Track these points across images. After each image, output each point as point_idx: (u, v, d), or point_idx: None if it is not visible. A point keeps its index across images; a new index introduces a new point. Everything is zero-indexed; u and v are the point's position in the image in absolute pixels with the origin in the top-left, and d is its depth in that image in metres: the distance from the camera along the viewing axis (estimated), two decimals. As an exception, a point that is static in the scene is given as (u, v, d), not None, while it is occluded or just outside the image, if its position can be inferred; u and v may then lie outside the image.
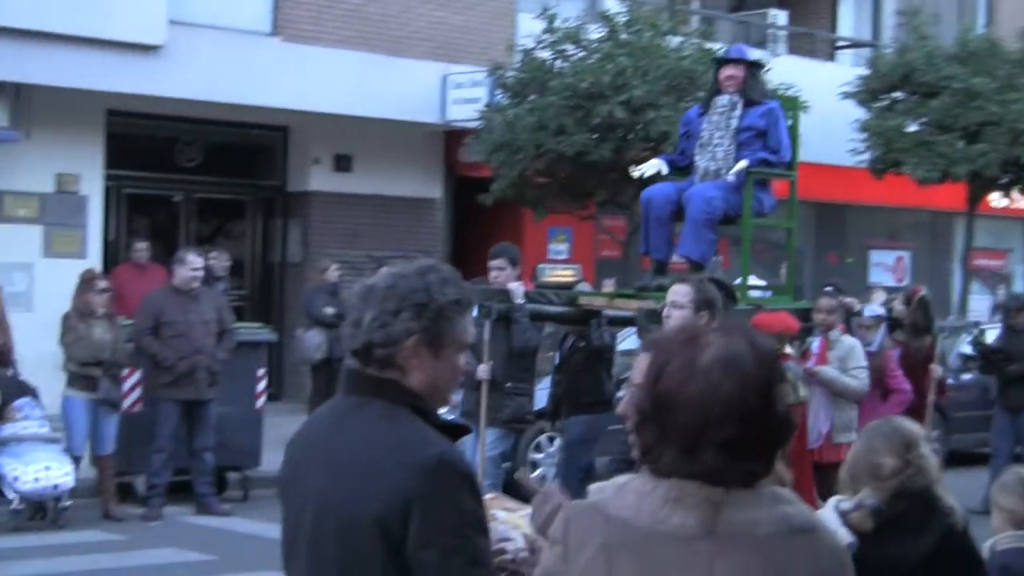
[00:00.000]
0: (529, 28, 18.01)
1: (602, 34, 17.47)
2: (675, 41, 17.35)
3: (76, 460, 12.14)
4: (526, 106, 16.96)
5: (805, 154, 17.84)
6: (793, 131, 11.04)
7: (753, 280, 12.99)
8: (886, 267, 26.33)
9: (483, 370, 10.28)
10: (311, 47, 17.96)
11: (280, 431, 13.68)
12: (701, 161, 10.69)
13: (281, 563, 3.39)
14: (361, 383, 3.33)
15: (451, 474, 3.14)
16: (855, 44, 26.95)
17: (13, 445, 11.81)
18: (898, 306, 12.99)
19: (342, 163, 19.67)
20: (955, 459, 15.09)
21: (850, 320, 12.25)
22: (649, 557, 2.64)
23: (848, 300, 12.77)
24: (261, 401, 13.56)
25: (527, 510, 3.71)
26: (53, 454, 11.91)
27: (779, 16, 24.04)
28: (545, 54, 17.34)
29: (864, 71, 22.20)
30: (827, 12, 26.62)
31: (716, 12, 24.48)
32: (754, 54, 11.45)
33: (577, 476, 11.12)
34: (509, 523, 3.54)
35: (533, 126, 16.54)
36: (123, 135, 18.13)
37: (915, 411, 10.92)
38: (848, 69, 23.57)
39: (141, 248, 16.74)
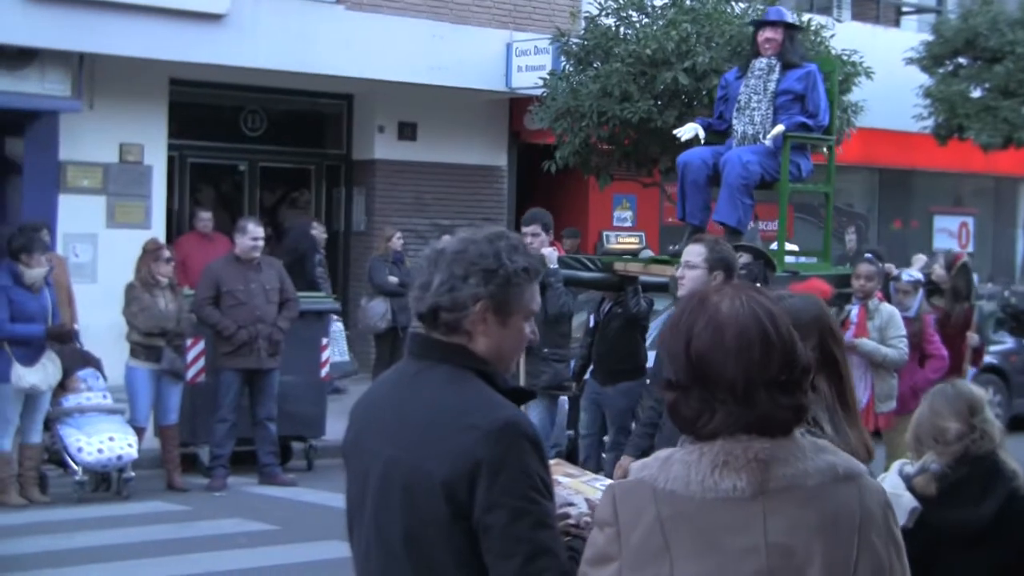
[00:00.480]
0: (593, -6, 17.85)
1: (666, 0, 17.28)
2: (739, 7, 17.13)
3: (139, 431, 12.18)
4: (590, 73, 16.83)
5: (869, 119, 17.83)
6: (831, 95, 10.84)
7: (790, 246, 12.84)
8: (950, 233, 26.09)
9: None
10: (375, 15, 17.92)
11: (344, 400, 13.80)
12: (738, 125, 10.59)
13: (345, 527, 3.41)
14: (427, 347, 3.34)
15: (517, 438, 3.14)
16: (919, 9, 26.71)
17: (76, 416, 11.85)
18: (938, 270, 12.81)
19: (406, 131, 19.63)
20: (1018, 424, 14.94)
21: (888, 285, 12.11)
22: (704, 525, 2.67)
23: (887, 266, 12.53)
24: (324, 370, 13.56)
25: (589, 476, 3.72)
26: (116, 425, 11.94)
27: (845, -19, 23.79)
28: (609, 21, 17.17)
29: (928, 37, 22.10)
30: (893, -24, 26.33)
31: (783, -24, 24.18)
32: (805, 16, 11.35)
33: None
34: (572, 488, 3.53)
35: (597, 93, 16.40)
36: (186, 104, 18.18)
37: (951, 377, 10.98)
38: (912, 35, 23.44)
39: (205, 218, 16.78)
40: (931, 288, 12.55)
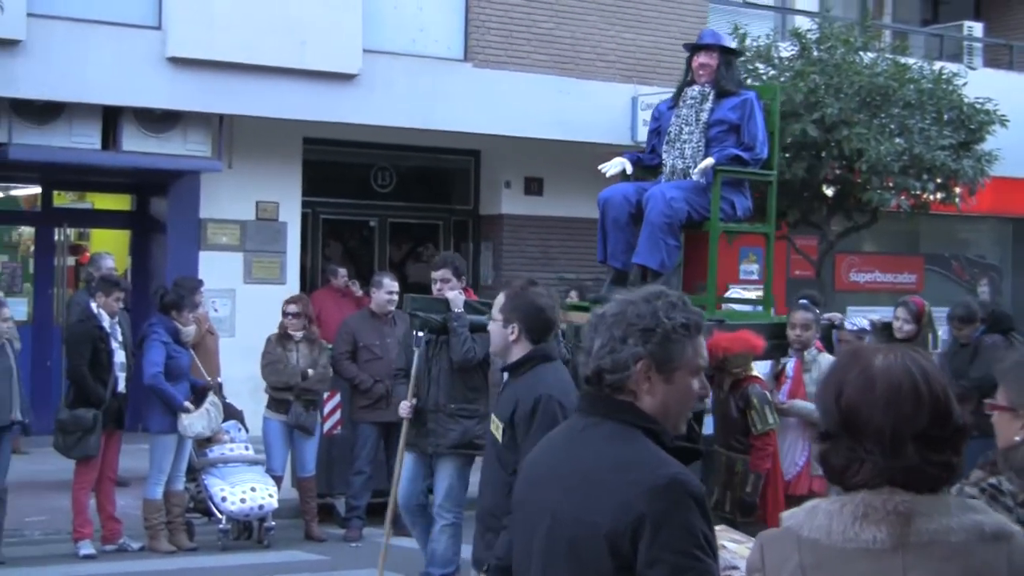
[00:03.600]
0: (719, 48, 17.93)
1: (793, 52, 17.33)
2: (868, 57, 17.11)
3: (277, 480, 12.44)
4: (716, 126, 16.90)
5: (1003, 168, 17.60)
6: (771, 125, 9.80)
7: (737, 292, 12.08)
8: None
9: (404, 408, 9.73)
10: (502, 72, 18.13)
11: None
12: (668, 159, 9.70)
13: None
14: (594, 404, 3.41)
15: (682, 494, 3.17)
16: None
17: (220, 466, 12.19)
18: (905, 326, 10.86)
19: (533, 186, 19.80)
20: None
21: (830, 335, 11.15)
22: (844, 575, 2.70)
23: (829, 314, 11.56)
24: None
25: (752, 541, 3.76)
26: (258, 475, 12.23)
27: (975, 28, 23.50)
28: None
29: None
30: (1025, 23, 25.97)
31: (909, 27, 24.05)
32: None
33: None
34: (737, 553, 3.59)
35: (724, 146, 16.47)
36: (319, 162, 18.56)
37: None
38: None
39: (341, 273, 17.09)
40: (887, 341, 10.06)
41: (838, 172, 17.06)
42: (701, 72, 9.65)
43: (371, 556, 11.87)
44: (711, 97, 9.57)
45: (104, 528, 11.70)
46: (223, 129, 16.90)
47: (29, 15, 15.06)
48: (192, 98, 16.07)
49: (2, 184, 17.19)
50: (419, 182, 20.23)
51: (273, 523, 12.16)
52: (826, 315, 11.40)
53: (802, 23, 19.03)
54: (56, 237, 17.74)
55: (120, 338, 11.59)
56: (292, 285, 17.26)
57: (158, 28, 16.07)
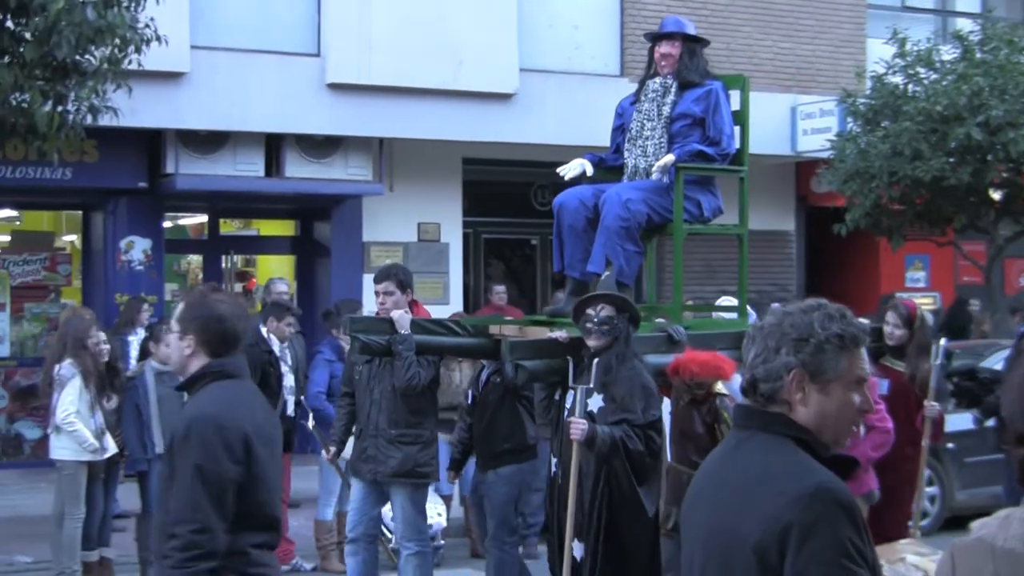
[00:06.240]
0: (879, 53, 17.70)
1: (955, 55, 17.03)
2: (1034, 57, 16.75)
3: (446, 500, 12.50)
4: (879, 133, 16.68)
5: None
6: (741, 117, 9.06)
7: (728, 300, 10.87)
8: None
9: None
10: (658, 86, 18.05)
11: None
12: (630, 158, 8.94)
13: None
14: (748, 417, 3.41)
15: (829, 503, 3.13)
16: None
17: (389, 487, 12.26)
18: (895, 331, 9.44)
19: (693, 200, 19.67)
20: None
21: None
22: None
23: None
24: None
25: (940, 555, 3.69)
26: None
27: None
28: (897, 79, 17.01)
29: None
30: None
31: (1076, 23, 23.45)
32: (693, 29, 8.94)
33: (509, 542, 9.67)
34: (920, 567, 3.52)
35: (887, 153, 16.24)
36: (478, 182, 18.68)
37: (908, 458, 9.00)
38: None
39: (499, 291, 17.17)
40: (877, 347, 9.27)
41: (1005, 175, 16.70)
42: (663, 63, 8.91)
43: (543, 573, 11.88)
44: (673, 89, 8.83)
45: (317, 545, 11.89)
46: (383, 152, 17.12)
47: (192, 47, 15.45)
48: (352, 123, 16.32)
49: (170, 213, 17.60)
50: (578, 199, 20.22)
51: (442, 542, 12.21)
52: None
53: (964, 25, 18.70)
54: (223, 264, 18.12)
55: (290, 362, 11.76)
56: (455, 305, 17.39)
57: (317, 55, 16.36)
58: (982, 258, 18.58)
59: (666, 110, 8.79)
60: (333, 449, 9.85)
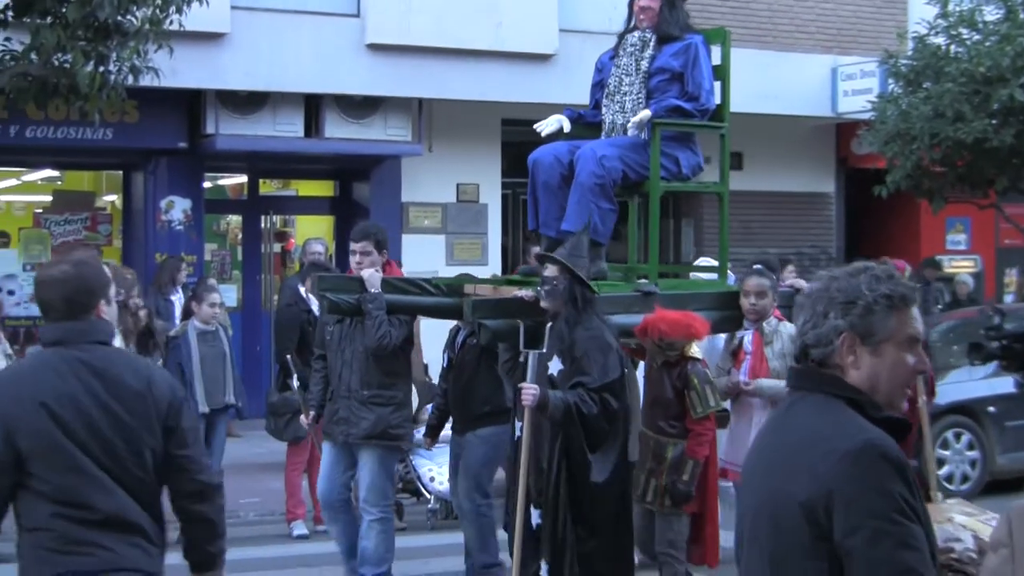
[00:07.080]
0: (921, 14, 17.53)
1: (999, 15, 16.84)
2: (1080, 17, 16.56)
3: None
4: (921, 94, 16.54)
5: None
6: (722, 72, 8.83)
7: (705, 261, 10.75)
8: None
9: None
10: (698, 47, 17.98)
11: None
12: (608, 114, 8.76)
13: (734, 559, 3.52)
14: (802, 377, 3.41)
15: (876, 459, 3.12)
16: None
17: (428, 447, 12.29)
18: None
19: (733, 160, 19.42)
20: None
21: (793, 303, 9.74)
22: None
23: (794, 281, 10.01)
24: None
25: (989, 515, 3.67)
26: (465, 455, 12.33)
27: None
28: (939, 39, 16.85)
29: None
30: None
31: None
32: None
33: (484, 504, 9.33)
34: (968, 526, 3.51)
35: (929, 114, 16.11)
36: (517, 143, 18.63)
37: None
38: None
39: (534, 252, 17.14)
40: None
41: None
42: (642, 16, 8.70)
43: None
44: (652, 43, 8.62)
45: (316, 509, 11.95)
46: (422, 113, 17.11)
47: (233, 8, 15.45)
48: (391, 83, 16.31)
49: (210, 174, 17.65)
50: (617, 160, 20.18)
51: (437, 505, 12.21)
52: (788, 281, 10.15)
53: (1008, -15, 18.49)
54: (262, 225, 18.17)
55: (329, 321, 11.79)
56: (494, 266, 17.40)
57: (357, 16, 16.34)
58: (1024, 221, 18.48)
59: (644, 64, 8.61)
60: (312, 413, 9.67)
